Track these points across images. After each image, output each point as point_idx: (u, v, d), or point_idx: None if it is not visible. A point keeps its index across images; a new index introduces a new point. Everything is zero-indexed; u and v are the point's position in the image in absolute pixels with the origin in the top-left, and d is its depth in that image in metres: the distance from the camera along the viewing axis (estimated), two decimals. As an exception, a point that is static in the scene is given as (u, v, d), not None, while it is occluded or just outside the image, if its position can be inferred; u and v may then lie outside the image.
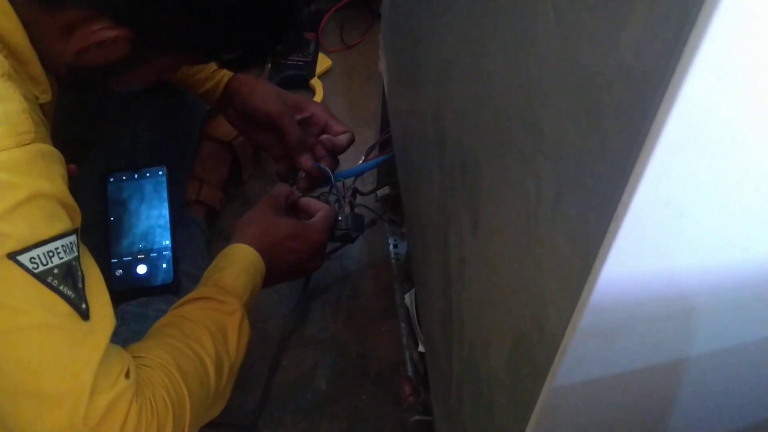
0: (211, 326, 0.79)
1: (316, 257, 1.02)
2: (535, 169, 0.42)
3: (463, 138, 0.57)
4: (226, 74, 1.09)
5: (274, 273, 0.94)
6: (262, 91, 1.08)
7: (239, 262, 0.88)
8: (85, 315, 0.65)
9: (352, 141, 1.11)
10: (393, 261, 1.22)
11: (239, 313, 0.82)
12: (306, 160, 1.07)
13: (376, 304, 1.22)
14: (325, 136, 1.09)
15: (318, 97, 1.49)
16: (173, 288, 1.07)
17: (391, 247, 1.25)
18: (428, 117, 0.70)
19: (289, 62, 1.52)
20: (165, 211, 1.09)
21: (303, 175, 1.10)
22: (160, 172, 1.11)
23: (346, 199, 1.07)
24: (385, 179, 1.26)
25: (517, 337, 0.46)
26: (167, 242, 1.07)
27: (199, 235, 1.23)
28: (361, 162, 1.17)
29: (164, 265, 1.06)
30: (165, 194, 1.10)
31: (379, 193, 1.27)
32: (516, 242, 0.46)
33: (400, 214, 1.22)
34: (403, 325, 1.11)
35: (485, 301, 0.54)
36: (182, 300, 0.83)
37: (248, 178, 1.36)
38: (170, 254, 1.07)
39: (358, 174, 1.15)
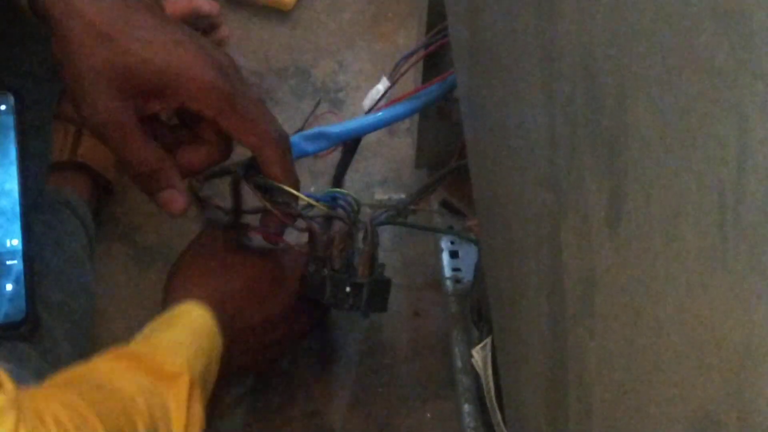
0: (140, 402, 0.68)
1: (289, 318, 0.86)
2: (739, 105, 0.33)
3: (593, 39, 0.48)
4: None
5: (236, 345, 0.81)
6: (78, 38, 0.69)
7: (187, 326, 0.78)
8: None
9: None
10: (449, 284, 0.99)
11: (185, 380, 0.71)
12: (174, 200, 0.76)
13: (414, 370, 0.99)
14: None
15: None
16: (25, 330, 0.87)
17: (445, 256, 1.00)
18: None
19: None
20: (12, 180, 0.88)
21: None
22: (2, 106, 0.90)
23: (359, 232, 0.82)
24: (434, 126, 0.99)
25: (697, 425, 0.41)
26: (15, 243, 0.88)
27: (76, 228, 0.98)
28: (373, 100, 0.88)
29: (7, 287, 0.89)
30: (12, 148, 0.88)
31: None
32: (699, 251, 0.38)
33: (463, 192, 1.03)
34: (467, 406, 0.92)
35: (634, 359, 0.47)
36: (87, 361, 0.72)
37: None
38: (20, 266, 0.88)
39: (369, 130, 0.85)
